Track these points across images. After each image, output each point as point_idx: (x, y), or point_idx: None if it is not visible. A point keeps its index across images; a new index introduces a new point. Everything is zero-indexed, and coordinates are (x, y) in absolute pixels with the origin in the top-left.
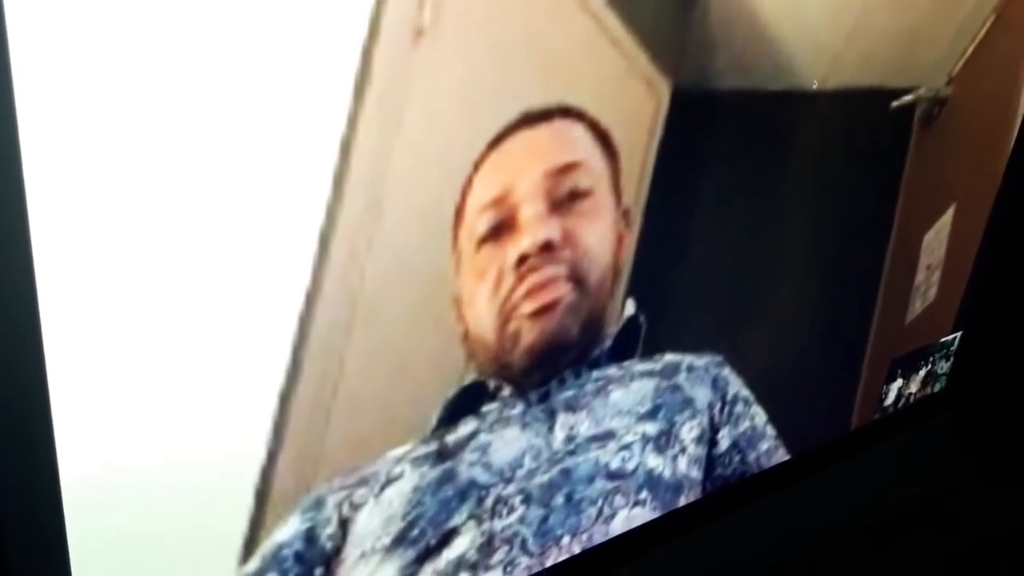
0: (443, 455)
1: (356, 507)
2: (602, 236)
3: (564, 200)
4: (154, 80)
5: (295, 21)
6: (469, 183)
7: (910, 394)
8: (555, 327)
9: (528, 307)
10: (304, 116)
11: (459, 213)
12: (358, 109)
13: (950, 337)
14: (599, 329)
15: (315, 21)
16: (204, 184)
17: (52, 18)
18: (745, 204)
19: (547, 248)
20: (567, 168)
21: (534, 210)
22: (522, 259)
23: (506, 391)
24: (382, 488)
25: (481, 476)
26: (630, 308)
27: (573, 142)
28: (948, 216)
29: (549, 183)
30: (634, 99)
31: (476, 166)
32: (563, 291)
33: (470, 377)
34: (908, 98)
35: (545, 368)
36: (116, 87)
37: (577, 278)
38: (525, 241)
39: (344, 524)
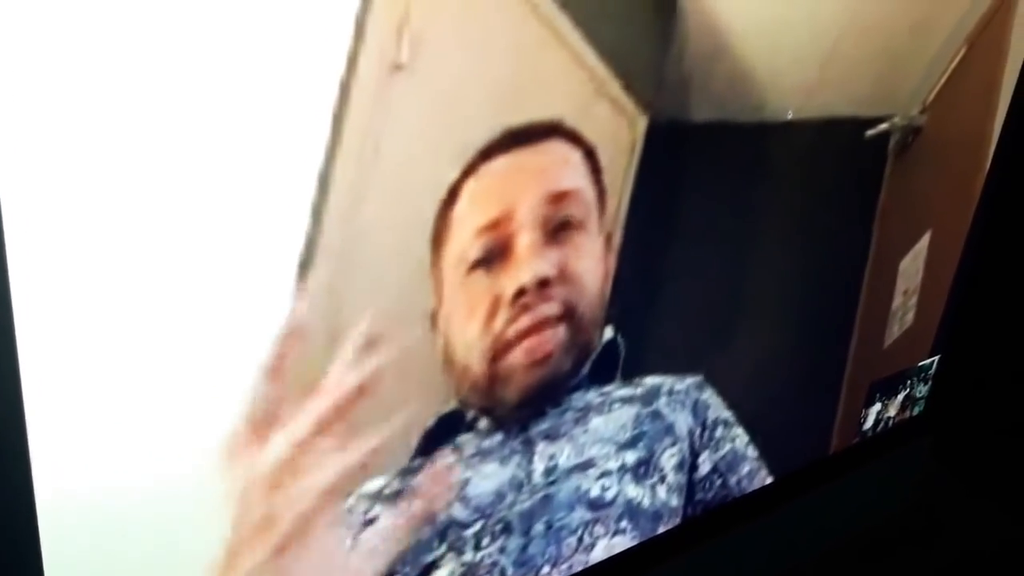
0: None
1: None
2: (593, 268)
3: (559, 229)
4: (131, 111)
5: (272, 55)
6: (452, 201)
7: (889, 418)
8: (549, 371)
9: (523, 357)
10: (282, 146)
11: (441, 234)
12: (336, 142)
13: (928, 361)
14: (586, 359)
15: (293, 56)
16: (184, 211)
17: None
18: (723, 231)
19: (544, 284)
20: (564, 195)
21: (531, 239)
22: (520, 292)
23: (483, 424)
24: (362, 526)
25: (460, 512)
26: (608, 333)
27: (568, 167)
28: (924, 242)
29: (546, 210)
30: (613, 131)
31: (462, 180)
32: (558, 338)
33: (449, 407)
34: (883, 127)
35: (530, 405)
36: (99, 98)
37: (570, 314)
38: (524, 275)
39: None
